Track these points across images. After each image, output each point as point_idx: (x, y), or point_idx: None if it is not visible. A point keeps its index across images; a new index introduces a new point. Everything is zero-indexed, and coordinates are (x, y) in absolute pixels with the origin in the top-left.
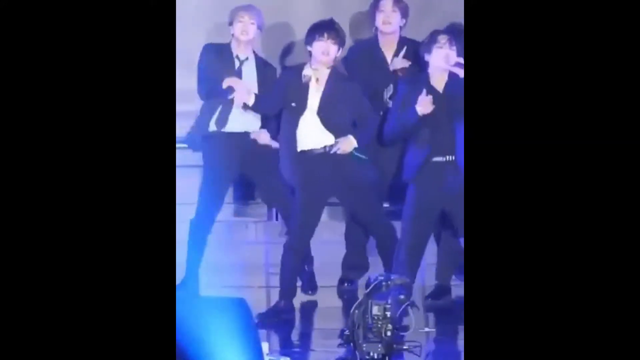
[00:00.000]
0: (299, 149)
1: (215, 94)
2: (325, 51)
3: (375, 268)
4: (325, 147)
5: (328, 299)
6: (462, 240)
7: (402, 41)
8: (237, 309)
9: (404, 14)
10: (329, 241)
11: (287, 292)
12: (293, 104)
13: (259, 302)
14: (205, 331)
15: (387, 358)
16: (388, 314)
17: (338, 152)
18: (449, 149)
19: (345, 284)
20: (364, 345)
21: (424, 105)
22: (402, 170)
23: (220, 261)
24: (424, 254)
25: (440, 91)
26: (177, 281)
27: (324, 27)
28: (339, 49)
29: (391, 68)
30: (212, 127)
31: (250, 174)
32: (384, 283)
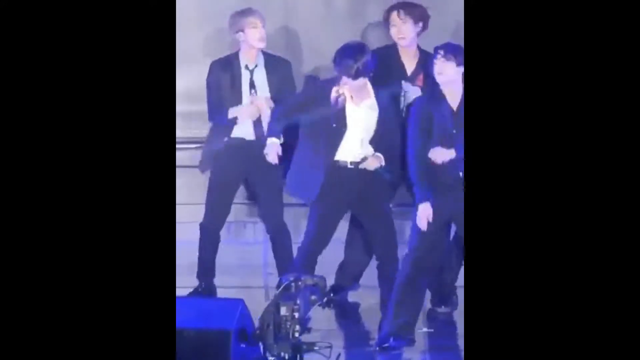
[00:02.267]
0: (335, 158)
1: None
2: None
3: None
4: (353, 162)
5: None
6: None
7: (422, 56)
8: (235, 309)
9: (417, 18)
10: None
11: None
12: (334, 125)
13: (258, 302)
14: (204, 332)
15: (297, 357)
16: (296, 314)
17: (366, 168)
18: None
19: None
20: (274, 345)
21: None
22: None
23: (219, 262)
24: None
25: (455, 109)
26: (191, 289)
27: (353, 53)
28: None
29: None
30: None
31: (253, 182)
32: (293, 283)
